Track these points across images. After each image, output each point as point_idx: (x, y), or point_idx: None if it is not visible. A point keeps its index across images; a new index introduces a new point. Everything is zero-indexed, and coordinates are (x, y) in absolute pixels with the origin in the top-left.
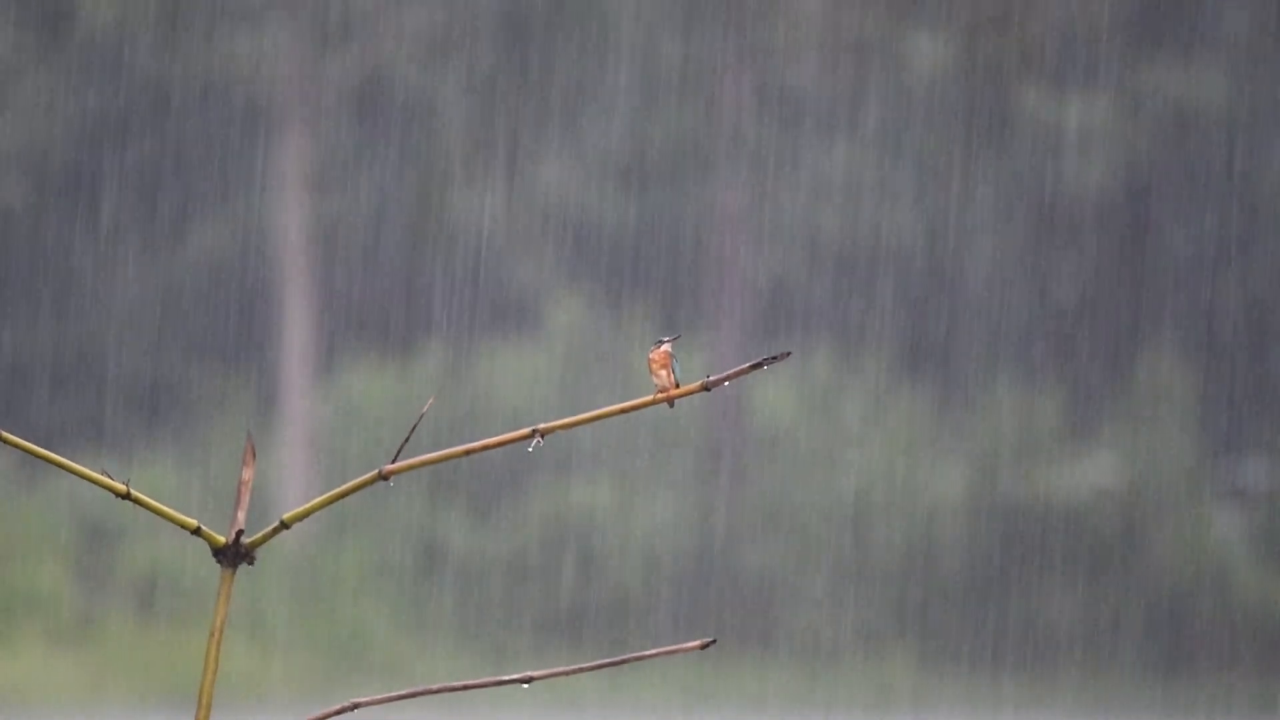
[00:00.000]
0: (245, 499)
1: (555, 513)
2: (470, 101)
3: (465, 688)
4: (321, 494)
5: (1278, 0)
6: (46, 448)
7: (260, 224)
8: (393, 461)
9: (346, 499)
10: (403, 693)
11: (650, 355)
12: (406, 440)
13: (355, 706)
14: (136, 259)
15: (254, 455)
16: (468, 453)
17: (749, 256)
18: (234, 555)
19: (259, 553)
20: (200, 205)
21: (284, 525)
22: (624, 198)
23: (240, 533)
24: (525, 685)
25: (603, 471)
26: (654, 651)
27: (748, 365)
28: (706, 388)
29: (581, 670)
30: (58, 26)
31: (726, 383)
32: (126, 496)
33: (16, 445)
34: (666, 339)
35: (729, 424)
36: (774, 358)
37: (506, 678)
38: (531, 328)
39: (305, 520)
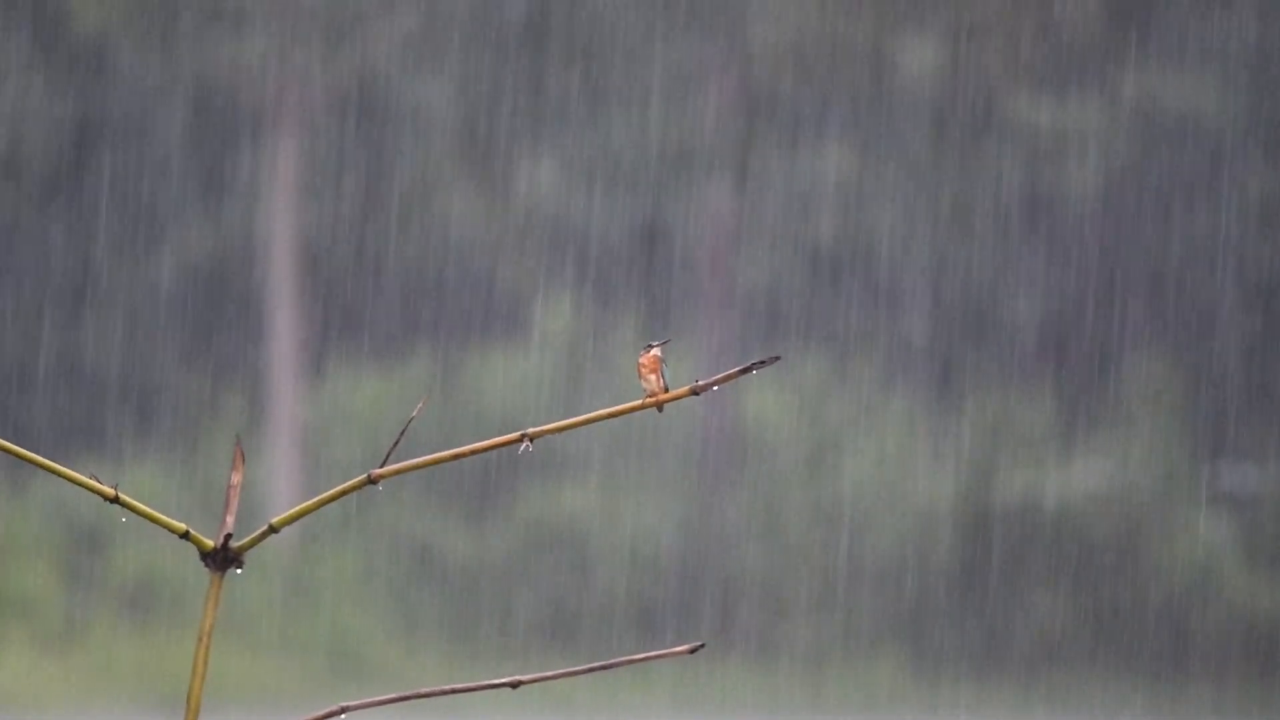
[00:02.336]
0: (234, 503)
1: (544, 517)
2: (460, 106)
3: (453, 691)
4: (310, 498)
5: (1269, 6)
6: (35, 452)
7: (251, 228)
8: (382, 466)
9: (335, 503)
10: (391, 697)
11: (640, 360)
12: (396, 444)
13: (343, 711)
14: (125, 263)
15: (243, 459)
16: (457, 457)
17: (738, 261)
18: (222, 559)
19: (247, 557)
20: (190, 210)
21: (272, 529)
22: (614, 202)
23: (228, 537)
24: (513, 689)
25: (592, 476)
26: (643, 656)
27: (737, 370)
28: (695, 392)
29: (570, 674)
30: (49, 30)
31: (715, 387)
32: (115, 500)
33: (5, 449)
34: (656, 344)
35: (718, 428)
36: (763, 362)
37: (494, 681)
38: (521, 332)
39: (294, 524)
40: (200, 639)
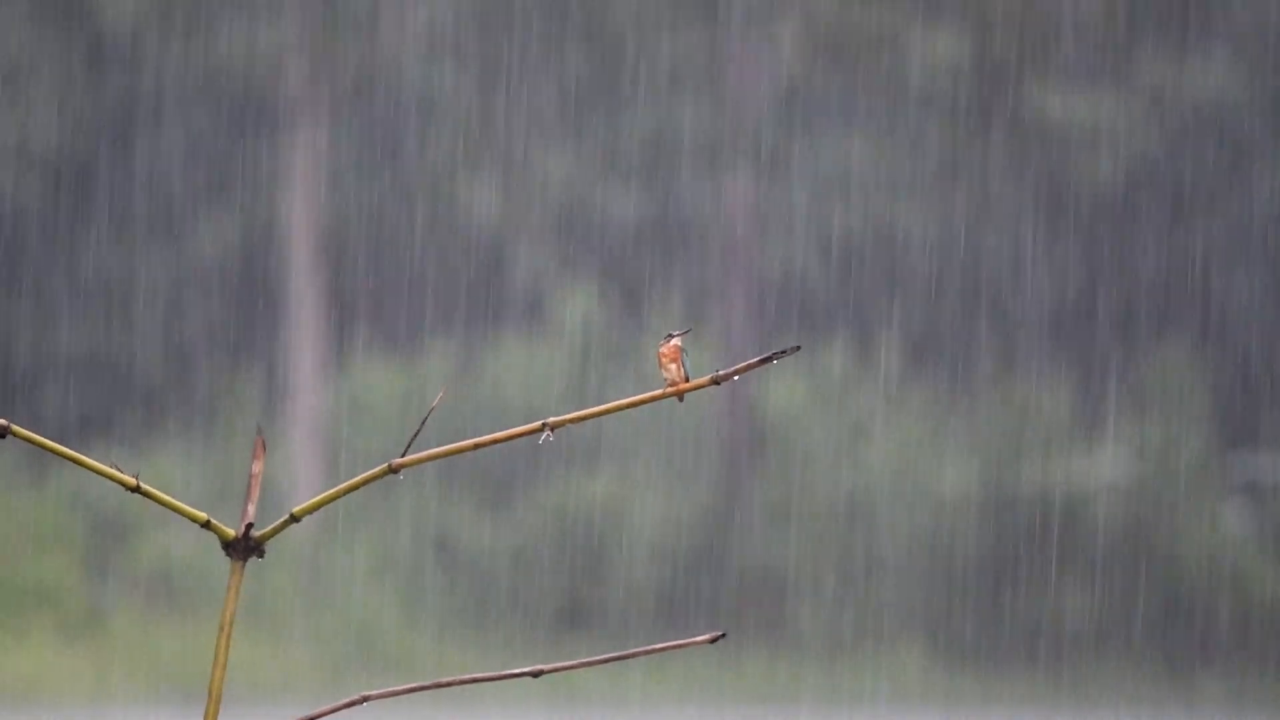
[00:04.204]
0: (255, 492)
1: (565, 506)
2: (480, 96)
3: (474, 681)
4: (331, 487)
5: None
6: (57, 441)
7: (271, 218)
8: (402, 455)
9: (356, 492)
10: (412, 686)
11: (660, 349)
12: (416, 434)
13: (365, 700)
14: (147, 253)
15: (264, 449)
16: (477, 446)
17: (759, 250)
18: (244, 548)
19: (268, 546)
20: (211, 200)
21: (294, 518)
22: (634, 192)
23: (250, 526)
24: (534, 678)
25: (612, 465)
26: (664, 645)
27: (757, 359)
28: (716, 381)
29: (591, 664)
30: (69, 22)
31: (736, 376)
32: (136, 490)
33: (27, 439)
34: (677, 333)
35: (739, 418)
36: (783, 351)
37: (515, 671)
38: (541, 322)
39: (315, 513)
40: (222, 628)
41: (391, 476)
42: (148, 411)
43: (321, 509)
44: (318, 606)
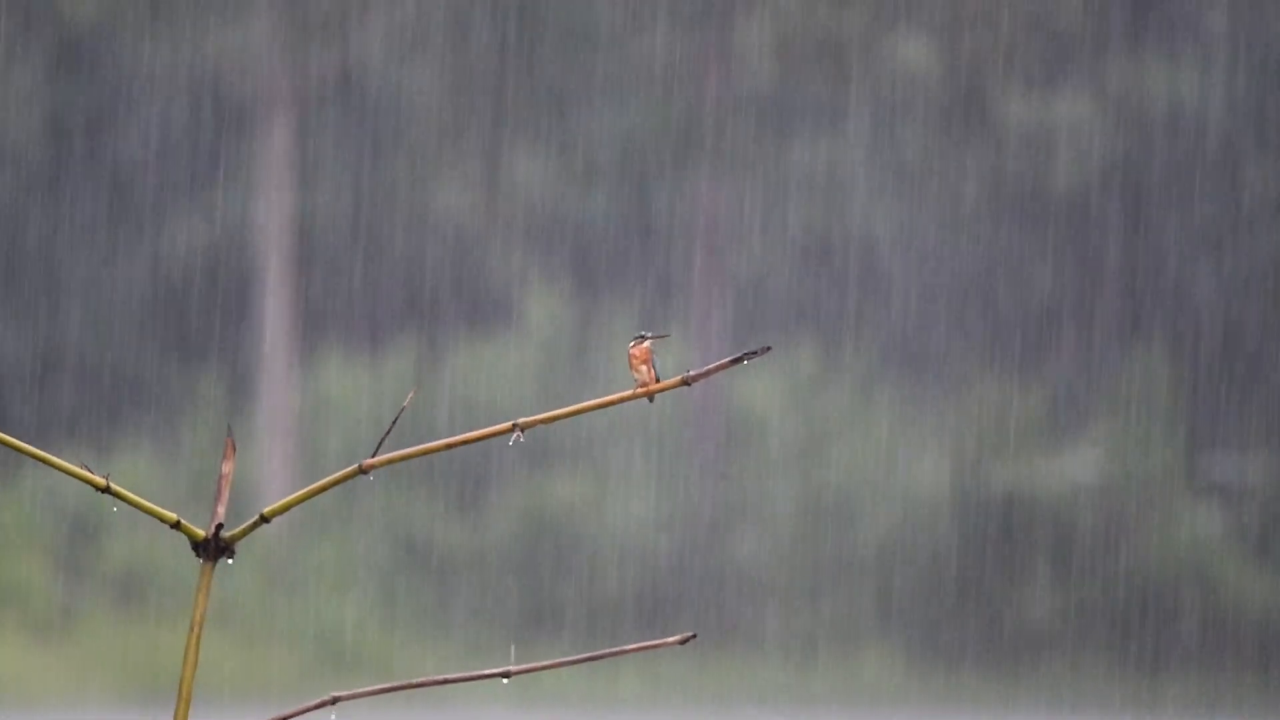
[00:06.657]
0: (225, 493)
1: (535, 507)
2: (449, 97)
3: (444, 682)
4: (301, 488)
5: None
6: (24, 441)
7: (239, 218)
8: (373, 455)
9: (326, 493)
10: (382, 687)
11: (631, 350)
12: (387, 434)
13: (335, 701)
14: (114, 253)
15: (234, 449)
16: (448, 446)
17: (730, 251)
18: (213, 549)
19: (239, 546)
20: (179, 199)
21: (264, 519)
22: (604, 192)
23: (220, 526)
24: (505, 680)
25: (583, 466)
26: (634, 646)
27: (728, 360)
28: (686, 382)
29: (561, 665)
30: (37, 20)
31: (706, 377)
32: (106, 490)
33: None
34: (649, 334)
35: (710, 419)
36: (754, 352)
37: (486, 672)
38: (511, 322)
39: (285, 514)
40: (192, 628)
41: (362, 477)
42: (117, 412)
43: (292, 509)
44: (288, 607)
